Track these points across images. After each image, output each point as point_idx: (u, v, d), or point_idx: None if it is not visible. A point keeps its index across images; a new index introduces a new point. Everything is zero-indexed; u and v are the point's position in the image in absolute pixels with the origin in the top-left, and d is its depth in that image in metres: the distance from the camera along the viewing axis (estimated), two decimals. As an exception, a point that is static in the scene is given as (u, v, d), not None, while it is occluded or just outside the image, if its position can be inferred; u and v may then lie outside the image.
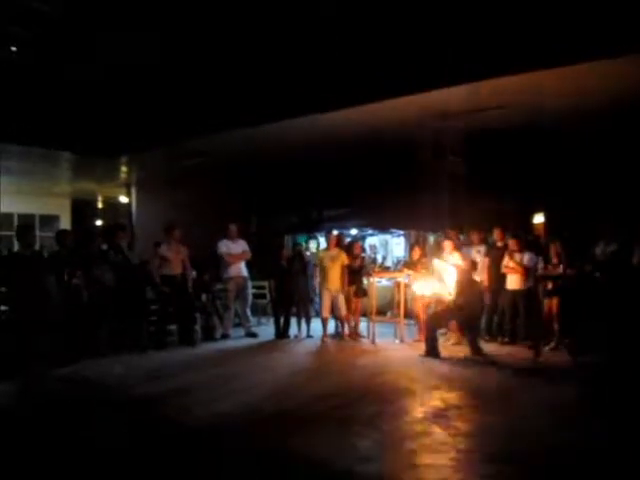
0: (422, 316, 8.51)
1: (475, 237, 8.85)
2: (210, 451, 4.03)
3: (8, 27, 8.84)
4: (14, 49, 9.27)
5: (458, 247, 8.31)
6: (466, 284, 7.39)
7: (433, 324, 7.45)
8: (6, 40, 9.08)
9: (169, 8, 8.55)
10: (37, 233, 12.49)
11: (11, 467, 3.79)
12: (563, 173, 8.91)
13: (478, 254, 8.58)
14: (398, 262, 11.63)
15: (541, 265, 7.89)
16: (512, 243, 8.17)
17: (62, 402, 5.46)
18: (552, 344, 7.67)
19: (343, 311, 8.80)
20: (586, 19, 6.25)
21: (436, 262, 7.80)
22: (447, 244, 8.13)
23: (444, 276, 7.46)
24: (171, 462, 3.81)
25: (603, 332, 6.97)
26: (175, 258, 8.37)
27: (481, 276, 8.39)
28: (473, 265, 7.95)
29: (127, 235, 8.58)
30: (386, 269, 11.10)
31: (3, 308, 7.17)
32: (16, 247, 8.70)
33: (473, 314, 7.53)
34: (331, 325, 9.04)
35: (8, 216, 15.28)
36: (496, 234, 8.62)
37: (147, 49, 9.07)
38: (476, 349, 7.32)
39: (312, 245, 11.51)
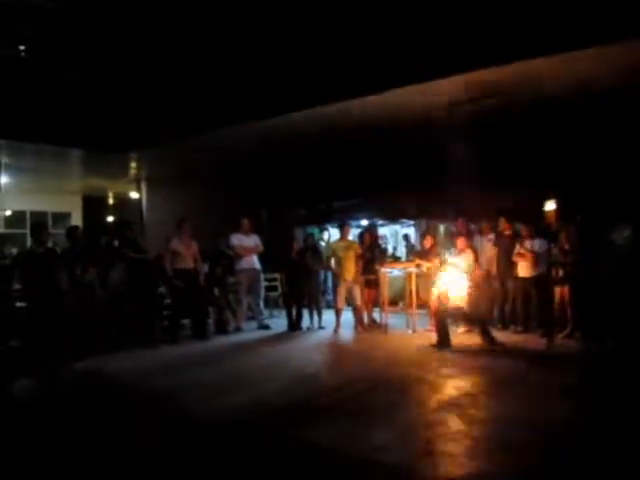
0: (433, 306, 8.49)
1: (486, 226, 8.83)
2: (225, 442, 4.07)
3: (17, 26, 8.88)
4: (23, 48, 9.31)
5: (469, 242, 8.16)
6: (477, 294, 7.40)
7: (442, 315, 7.44)
8: (15, 39, 9.14)
9: (178, 5, 8.55)
10: (50, 230, 12.62)
11: (29, 459, 3.86)
12: (575, 158, 8.85)
13: (489, 242, 8.58)
14: (410, 250, 11.62)
15: (555, 252, 7.84)
16: (523, 229, 8.13)
17: (77, 397, 5.53)
18: (565, 331, 7.64)
19: (359, 301, 8.82)
20: (583, 5, 6.21)
21: (450, 265, 7.73)
22: (459, 242, 7.86)
23: (456, 281, 7.49)
24: (186, 454, 3.85)
25: (617, 319, 6.94)
26: (187, 252, 8.40)
27: (490, 265, 8.40)
28: (476, 255, 7.95)
29: (132, 231, 8.53)
30: (397, 259, 11.08)
31: (19, 305, 7.25)
32: (29, 244, 8.80)
33: (480, 318, 7.53)
34: (348, 316, 9.05)
35: (21, 214, 15.45)
36: (501, 223, 8.58)
37: (156, 44, 9.08)
38: (488, 339, 7.29)
39: (325, 237, 11.53)
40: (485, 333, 7.33)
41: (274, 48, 8.42)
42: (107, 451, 3.97)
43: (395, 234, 13.11)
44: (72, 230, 8.21)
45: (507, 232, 8.53)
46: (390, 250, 12.08)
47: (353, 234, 10.24)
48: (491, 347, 7.13)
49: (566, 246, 7.64)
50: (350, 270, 8.79)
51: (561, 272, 7.74)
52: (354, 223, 11.99)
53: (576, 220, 7.85)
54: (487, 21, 6.81)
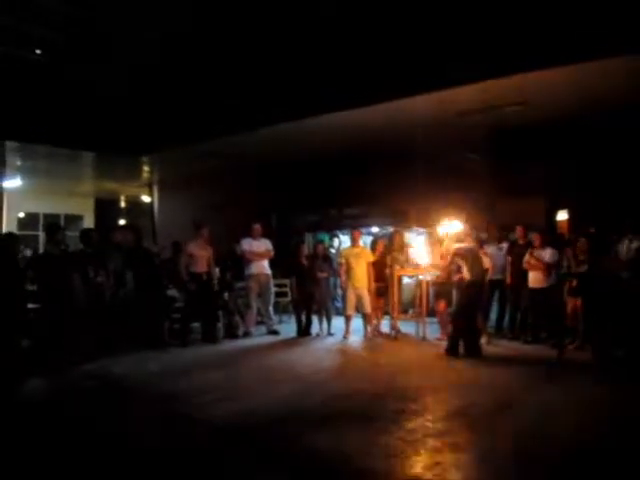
0: (443, 314, 8.46)
1: (497, 234, 8.79)
2: (231, 448, 4.07)
3: (31, 29, 8.98)
4: (38, 52, 9.42)
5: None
6: (473, 260, 7.38)
7: (457, 323, 7.37)
8: (29, 42, 9.24)
9: (189, 10, 8.61)
10: (62, 232, 12.70)
11: (35, 459, 3.88)
12: (588, 169, 8.80)
13: (500, 251, 8.54)
14: None
15: (566, 264, 7.77)
16: (535, 238, 8.07)
17: (84, 398, 5.56)
18: (576, 343, 7.57)
19: (368, 308, 8.78)
20: (609, 16, 6.18)
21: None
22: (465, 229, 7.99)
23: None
24: (191, 457, 3.86)
25: (628, 332, 6.86)
26: (202, 256, 8.46)
27: (504, 274, 8.36)
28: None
29: (123, 235, 8.70)
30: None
31: (31, 306, 7.30)
32: (42, 246, 8.86)
33: (480, 292, 7.49)
34: (356, 324, 9.03)
35: (34, 216, 15.61)
36: (518, 231, 8.54)
37: (170, 47, 9.15)
38: (473, 348, 7.17)
39: (335, 243, 11.51)
40: (472, 342, 7.21)
41: (287, 54, 8.47)
42: (111, 452, 3.98)
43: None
44: (87, 233, 8.27)
45: (521, 241, 8.47)
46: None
47: (364, 242, 10.24)
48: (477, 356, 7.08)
49: (581, 257, 7.54)
50: (360, 277, 8.77)
51: (575, 283, 7.65)
52: (365, 230, 11.97)
53: (589, 231, 7.76)
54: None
